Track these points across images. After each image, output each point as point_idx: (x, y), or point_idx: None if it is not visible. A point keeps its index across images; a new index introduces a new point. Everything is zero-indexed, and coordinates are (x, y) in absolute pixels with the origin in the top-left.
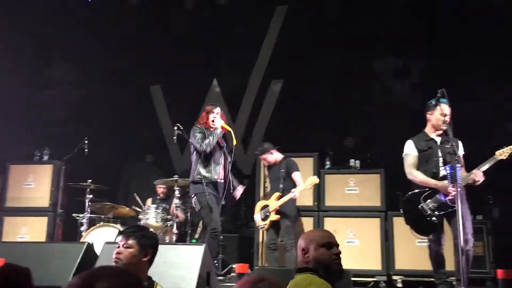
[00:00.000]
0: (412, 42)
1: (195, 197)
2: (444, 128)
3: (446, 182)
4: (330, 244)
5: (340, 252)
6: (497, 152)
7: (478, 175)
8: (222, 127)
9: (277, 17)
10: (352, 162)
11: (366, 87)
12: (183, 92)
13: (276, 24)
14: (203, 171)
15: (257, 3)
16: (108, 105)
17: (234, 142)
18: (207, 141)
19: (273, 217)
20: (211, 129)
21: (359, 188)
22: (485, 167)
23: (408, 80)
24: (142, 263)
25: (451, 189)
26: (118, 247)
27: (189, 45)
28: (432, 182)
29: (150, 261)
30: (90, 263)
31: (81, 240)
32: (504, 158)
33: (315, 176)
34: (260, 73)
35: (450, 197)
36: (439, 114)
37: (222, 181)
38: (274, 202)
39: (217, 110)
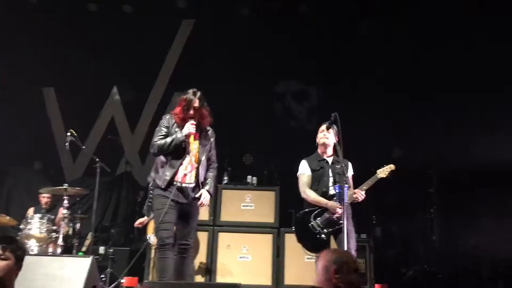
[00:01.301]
0: (312, 68)
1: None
2: (322, 143)
3: (335, 203)
4: (358, 270)
5: None
6: (378, 171)
7: (359, 193)
8: (187, 136)
9: (184, 31)
10: (249, 178)
11: (266, 106)
12: (79, 97)
13: (182, 37)
14: (153, 173)
15: (164, 15)
16: None
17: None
18: (161, 142)
19: None
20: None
21: (254, 204)
22: (367, 185)
23: (307, 103)
24: (14, 275)
25: (339, 209)
26: None
27: (91, 49)
28: (323, 201)
29: (18, 274)
30: None
31: None
32: (384, 176)
33: None
34: (163, 84)
35: (337, 215)
36: (319, 132)
37: (187, 185)
38: None
39: (196, 103)
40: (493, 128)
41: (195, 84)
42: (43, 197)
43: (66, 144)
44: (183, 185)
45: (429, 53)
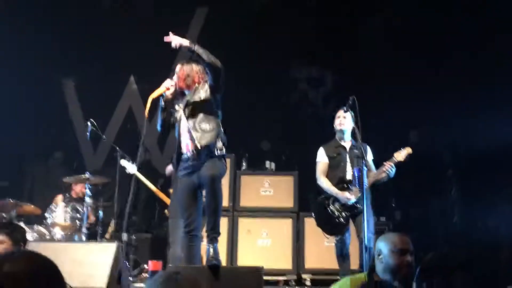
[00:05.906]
0: (326, 52)
1: None
2: (339, 130)
3: (346, 192)
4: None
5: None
6: (395, 154)
7: (388, 165)
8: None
9: (198, 19)
10: (267, 164)
11: (282, 92)
12: (97, 87)
13: (197, 25)
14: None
15: (177, 3)
16: (14, 98)
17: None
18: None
19: None
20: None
21: (273, 189)
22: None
23: (322, 88)
24: None
25: (349, 196)
26: None
27: (107, 40)
28: (334, 191)
29: None
30: None
31: None
32: (402, 159)
33: None
34: None
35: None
36: (336, 118)
37: (191, 153)
38: None
39: (177, 68)
40: None
41: None
42: (79, 185)
43: (87, 134)
44: (187, 154)
45: (449, 35)
